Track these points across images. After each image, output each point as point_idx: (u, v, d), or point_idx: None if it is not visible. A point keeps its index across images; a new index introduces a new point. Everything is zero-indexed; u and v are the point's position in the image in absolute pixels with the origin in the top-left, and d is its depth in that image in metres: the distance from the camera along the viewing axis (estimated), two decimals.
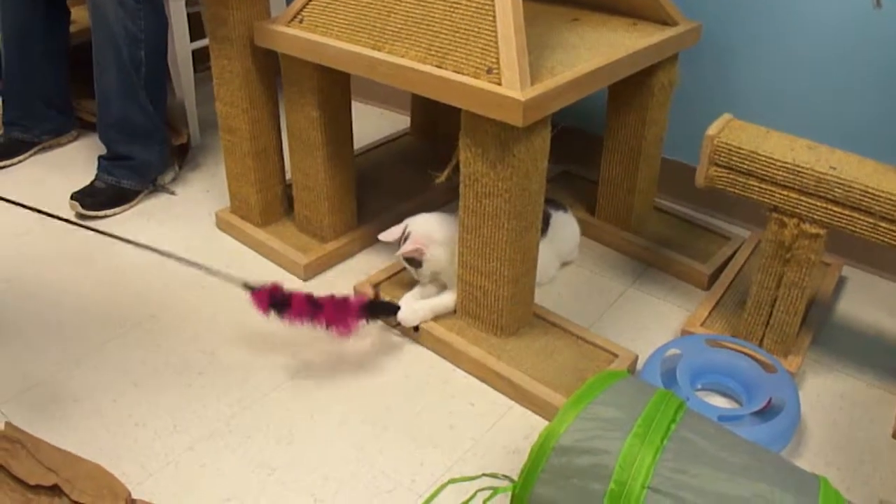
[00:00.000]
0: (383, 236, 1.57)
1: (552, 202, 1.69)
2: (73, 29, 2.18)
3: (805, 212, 1.30)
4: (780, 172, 1.30)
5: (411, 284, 1.59)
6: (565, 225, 1.72)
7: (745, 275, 1.67)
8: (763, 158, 1.31)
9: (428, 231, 1.52)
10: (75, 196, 1.92)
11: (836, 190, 1.26)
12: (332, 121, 1.61)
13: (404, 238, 1.53)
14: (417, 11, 1.35)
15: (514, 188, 1.30)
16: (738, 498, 0.94)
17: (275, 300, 1.38)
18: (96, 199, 1.93)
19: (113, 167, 1.96)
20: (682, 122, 1.86)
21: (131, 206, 1.98)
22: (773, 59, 1.74)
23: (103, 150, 1.99)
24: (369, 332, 1.54)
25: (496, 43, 1.24)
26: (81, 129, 2.29)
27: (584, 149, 1.97)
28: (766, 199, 1.34)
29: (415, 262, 1.53)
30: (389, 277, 1.63)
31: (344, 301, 1.41)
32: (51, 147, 2.23)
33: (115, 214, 1.94)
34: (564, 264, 1.76)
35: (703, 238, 1.81)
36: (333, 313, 1.39)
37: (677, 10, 1.61)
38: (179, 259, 1.44)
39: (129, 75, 1.88)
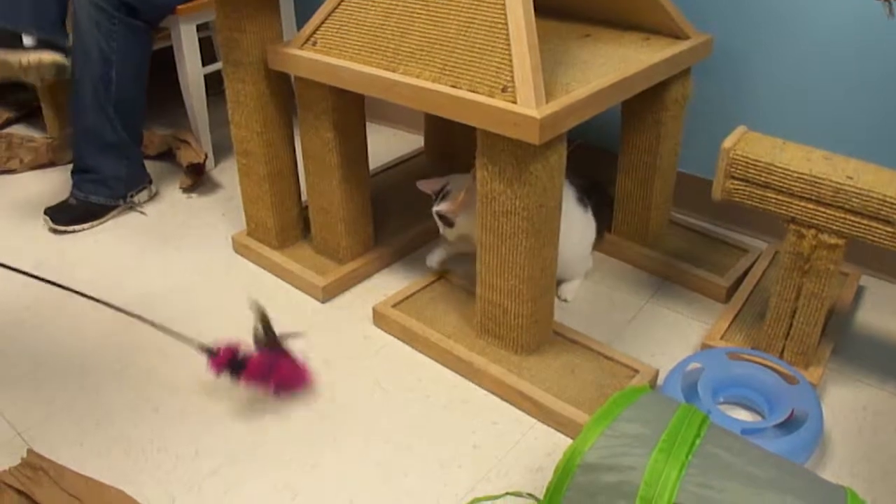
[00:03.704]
0: (421, 185, 1.65)
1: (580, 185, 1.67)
2: None
3: (823, 222, 1.30)
4: (798, 184, 1.30)
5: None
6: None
7: (763, 287, 1.66)
8: (780, 170, 1.31)
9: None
10: (47, 212, 1.98)
11: (854, 200, 1.25)
12: (347, 142, 1.62)
13: (442, 194, 1.61)
14: (431, 32, 1.36)
15: (531, 206, 1.30)
16: None
17: (231, 363, 1.37)
18: (67, 215, 1.99)
19: (82, 182, 2.01)
20: (697, 136, 1.86)
21: (102, 222, 2.03)
22: (787, 70, 1.74)
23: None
24: (389, 351, 1.55)
25: (510, 61, 1.25)
26: None
27: (599, 165, 1.97)
28: (783, 211, 1.34)
29: (446, 220, 1.61)
30: (408, 298, 1.64)
31: (294, 362, 1.42)
32: None
33: (83, 230, 1.99)
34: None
35: (720, 251, 1.80)
36: (287, 372, 1.41)
37: (689, 24, 1.62)
38: (118, 309, 1.42)
39: (99, 90, 1.92)
